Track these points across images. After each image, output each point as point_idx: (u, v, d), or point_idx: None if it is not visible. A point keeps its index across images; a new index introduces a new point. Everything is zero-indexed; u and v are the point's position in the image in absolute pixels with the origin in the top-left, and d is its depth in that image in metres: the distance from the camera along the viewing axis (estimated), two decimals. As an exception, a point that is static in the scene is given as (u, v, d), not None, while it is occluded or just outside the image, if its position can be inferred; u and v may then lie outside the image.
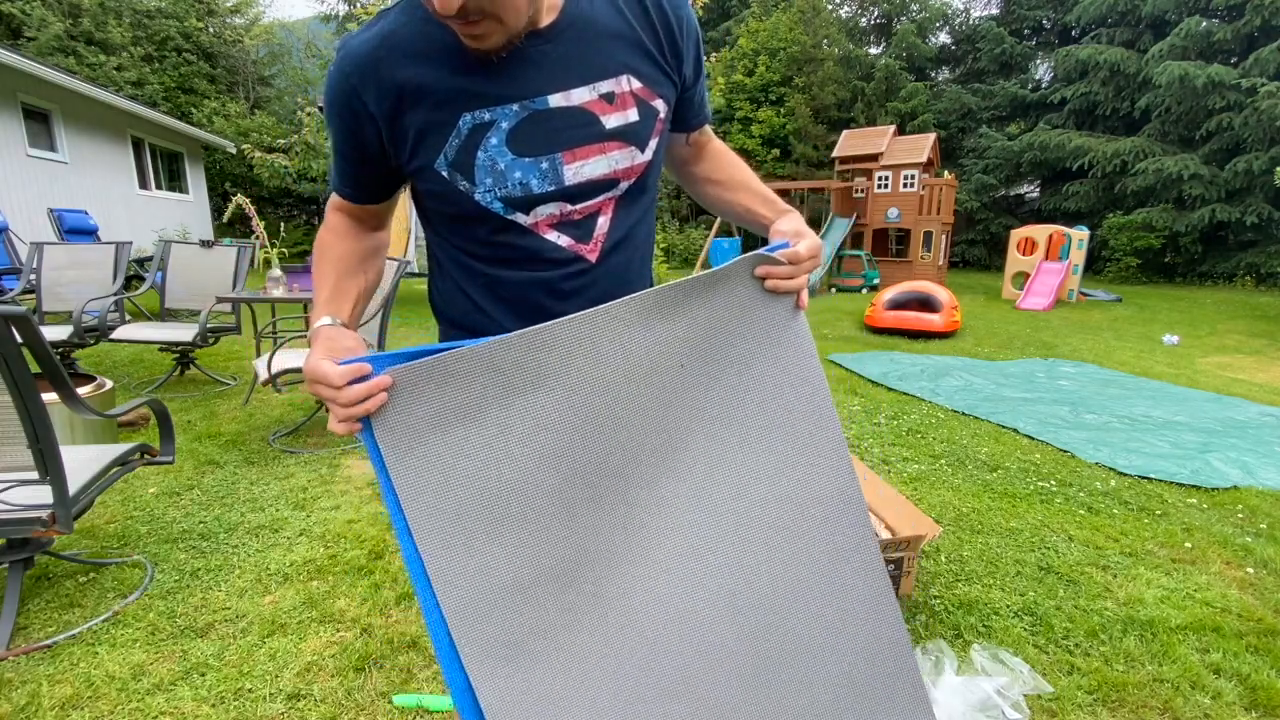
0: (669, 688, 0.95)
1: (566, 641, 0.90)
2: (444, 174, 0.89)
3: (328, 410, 0.81)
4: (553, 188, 0.91)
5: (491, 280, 0.98)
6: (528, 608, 0.88)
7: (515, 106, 0.88)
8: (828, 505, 1.02)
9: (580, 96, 0.90)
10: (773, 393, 0.98)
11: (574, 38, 0.89)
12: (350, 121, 0.89)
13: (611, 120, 0.92)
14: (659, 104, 0.97)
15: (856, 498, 1.03)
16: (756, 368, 0.97)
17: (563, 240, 0.95)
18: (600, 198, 0.95)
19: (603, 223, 0.97)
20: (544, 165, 0.90)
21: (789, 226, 0.99)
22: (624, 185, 0.96)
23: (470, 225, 0.95)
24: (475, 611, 0.86)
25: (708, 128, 1.15)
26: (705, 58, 1.14)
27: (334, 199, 1.00)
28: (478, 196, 0.90)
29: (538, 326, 0.84)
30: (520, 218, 0.92)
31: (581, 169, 0.92)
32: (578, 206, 0.94)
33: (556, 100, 0.89)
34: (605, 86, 0.91)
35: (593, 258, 0.97)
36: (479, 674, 0.86)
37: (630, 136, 0.94)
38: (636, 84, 0.94)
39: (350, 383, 0.78)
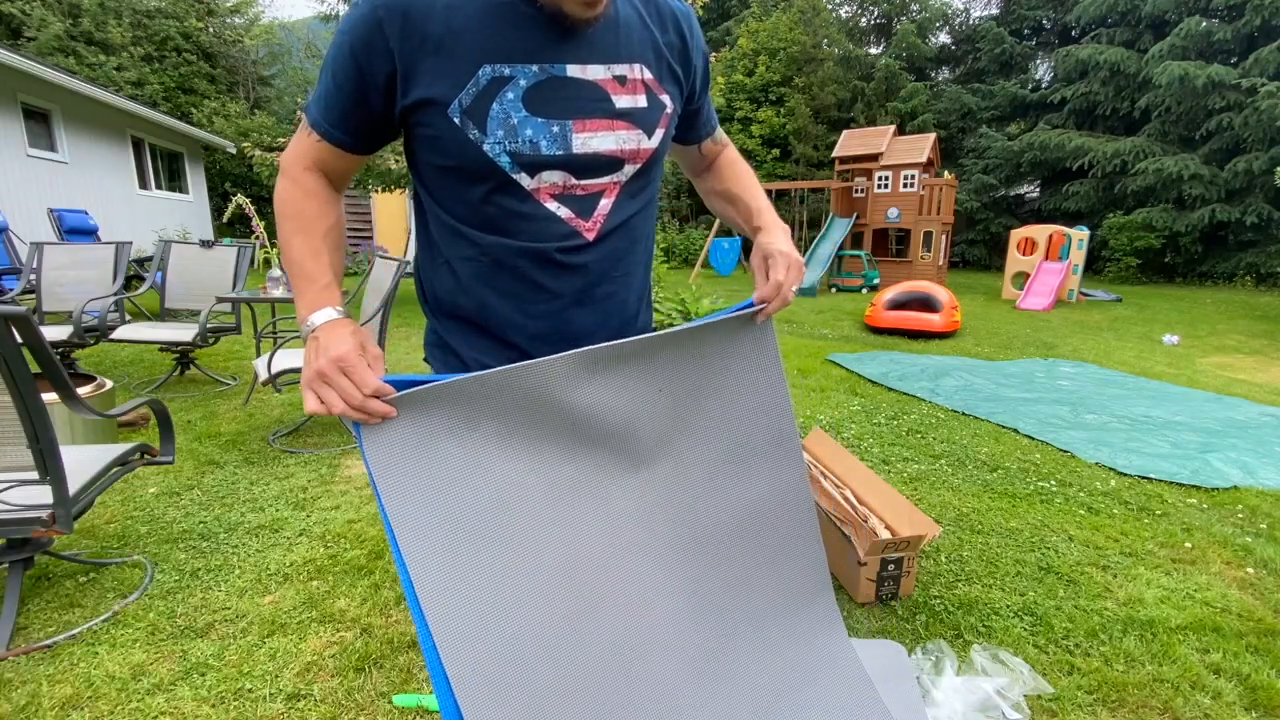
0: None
1: (546, 662, 0.93)
2: (456, 120, 0.90)
3: (309, 387, 0.83)
4: (560, 152, 0.93)
5: (481, 250, 0.97)
6: (509, 626, 0.90)
7: (535, 68, 0.91)
8: (781, 509, 1.14)
9: (595, 73, 0.94)
10: (745, 415, 1.08)
11: (597, 24, 0.93)
12: (364, 59, 0.89)
13: (622, 100, 0.96)
14: (666, 99, 1.01)
15: (807, 497, 1.16)
16: (732, 397, 1.07)
17: (562, 212, 0.96)
18: (605, 179, 0.98)
19: (605, 204, 0.99)
20: (555, 129, 0.92)
21: (771, 245, 1.03)
22: (629, 169, 0.99)
23: (468, 182, 0.94)
24: (460, 628, 0.87)
25: (719, 135, 1.21)
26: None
27: (306, 155, 0.97)
28: (486, 147, 0.91)
29: (527, 362, 0.89)
30: (524, 179, 0.93)
31: (589, 140, 0.94)
32: (582, 182, 0.96)
33: (574, 71, 0.93)
34: (619, 69, 0.96)
35: (590, 236, 0.98)
36: (462, 690, 0.87)
37: (638, 119, 0.98)
38: (648, 74, 0.99)
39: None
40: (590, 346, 0.92)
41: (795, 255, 1.02)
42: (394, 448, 0.85)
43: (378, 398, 0.83)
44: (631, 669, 0.98)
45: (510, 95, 0.90)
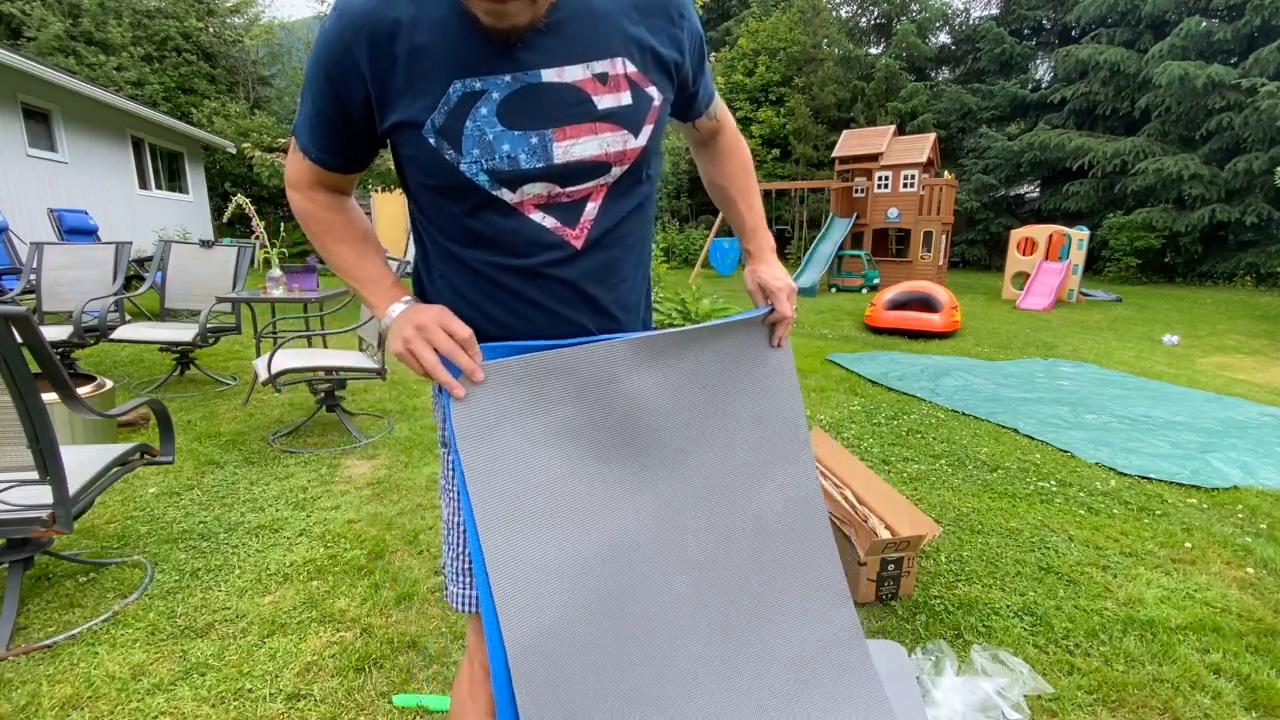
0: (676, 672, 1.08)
1: (598, 637, 1.00)
2: (431, 141, 0.88)
3: (406, 348, 0.92)
4: (541, 165, 0.90)
5: (472, 270, 0.96)
6: (566, 595, 0.97)
7: (508, 78, 0.87)
8: (797, 505, 1.20)
9: (574, 74, 0.89)
10: (766, 413, 1.18)
11: (571, 17, 0.88)
12: (339, 81, 0.88)
13: (604, 101, 0.91)
14: (653, 91, 0.95)
15: (819, 502, 1.24)
16: (759, 394, 1.17)
17: (547, 221, 0.93)
18: (591, 183, 0.94)
19: (591, 209, 0.95)
20: (534, 140, 0.89)
21: (765, 277, 1.15)
22: (616, 171, 0.95)
23: (450, 199, 0.92)
24: (521, 594, 0.94)
25: (714, 109, 1.15)
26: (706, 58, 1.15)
27: (306, 176, 0.99)
28: (463, 167, 0.88)
29: (607, 340, 0.97)
30: (505, 194, 0.90)
31: (572, 148, 0.90)
32: (567, 189, 0.92)
33: (549, 76, 0.88)
34: (600, 67, 0.90)
35: (578, 244, 0.94)
36: (512, 637, 0.94)
37: (622, 119, 0.93)
38: (631, 68, 0.93)
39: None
40: (647, 333, 1.01)
41: (789, 283, 1.13)
42: (477, 418, 0.94)
43: (465, 352, 0.91)
44: (653, 650, 1.05)
45: (484, 110, 0.87)
